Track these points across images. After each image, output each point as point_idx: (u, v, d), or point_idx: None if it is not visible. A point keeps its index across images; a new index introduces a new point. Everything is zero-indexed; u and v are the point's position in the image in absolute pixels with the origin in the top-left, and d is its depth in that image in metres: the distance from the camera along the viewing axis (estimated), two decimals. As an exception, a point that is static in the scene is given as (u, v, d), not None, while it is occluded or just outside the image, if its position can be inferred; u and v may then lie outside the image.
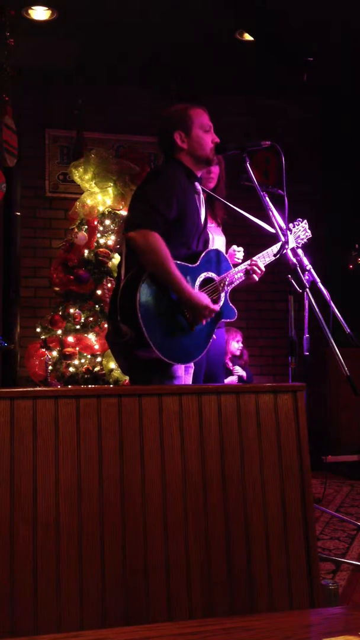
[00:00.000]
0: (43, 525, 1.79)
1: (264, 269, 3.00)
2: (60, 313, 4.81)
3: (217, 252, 2.88)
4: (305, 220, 3.27)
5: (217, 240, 3.33)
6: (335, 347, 2.98)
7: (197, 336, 2.69)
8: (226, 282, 2.81)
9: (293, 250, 3.06)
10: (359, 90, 5.48)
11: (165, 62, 5.22)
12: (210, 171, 3.30)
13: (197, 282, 2.74)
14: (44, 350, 4.77)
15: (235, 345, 5.16)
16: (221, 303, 2.81)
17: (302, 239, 3.26)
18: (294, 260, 2.93)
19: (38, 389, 1.98)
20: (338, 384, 5.23)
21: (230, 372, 4.98)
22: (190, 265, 2.70)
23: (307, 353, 3.18)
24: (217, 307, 2.70)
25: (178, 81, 5.50)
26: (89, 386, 4.51)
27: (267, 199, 3.04)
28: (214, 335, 3.17)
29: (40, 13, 4.58)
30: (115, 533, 1.83)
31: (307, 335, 3.19)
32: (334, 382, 5.43)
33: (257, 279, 2.98)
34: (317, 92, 5.78)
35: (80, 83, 5.40)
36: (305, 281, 2.96)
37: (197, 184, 2.83)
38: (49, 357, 4.72)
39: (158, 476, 1.90)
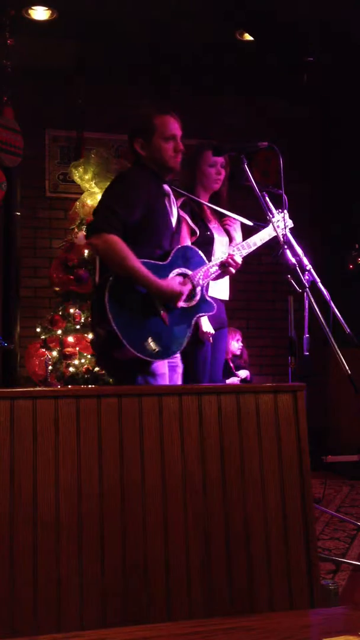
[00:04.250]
0: (43, 525, 1.79)
1: (240, 262, 2.98)
2: (60, 313, 4.81)
3: (189, 248, 2.90)
4: (285, 211, 3.26)
5: (219, 241, 3.33)
6: (336, 346, 2.98)
7: (173, 331, 2.70)
8: (200, 276, 2.81)
9: (293, 249, 3.05)
10: (358, 90, 5.48)
11: (165, 62, 5.22)
12: (219, 172, 3.31)
13: (170, 278, 2.76)
14: (44, 350, 4.77)
15: (236, 345, 5.16)
16: (198, 298, 2.81)
17: (284, 229, 3.24)
18: (294, 260, 2.93)
19: (38, 389, 1.98)
20: (338, 384, 5.23)
21: (231, 372, 4.98)
22: (161, 262, 2.73)
23: (307, 353, 3.18)
24: (188, 288, 2.72)
25: (178, 81, 5.51)
26: (89, 386, 4.51)
27: (267, 198, 3.05)
28: (210, 336, 3.17)
29: (40, 13, 4.58)
30: (115, 533, 1.83)
31: (307, 335, 3.19)
32: (334, 382, 5.43)
33: (233, 271, 2.98)
34: (317, 92, 5.78)
35: (80, 83, 5.40)
36: (305, 281, 2.95)
37: (165, 186, 2.84)
38: (49, 357, 4.72)
39: (158, 476, 1.90)
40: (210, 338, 3.21)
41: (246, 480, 1.97)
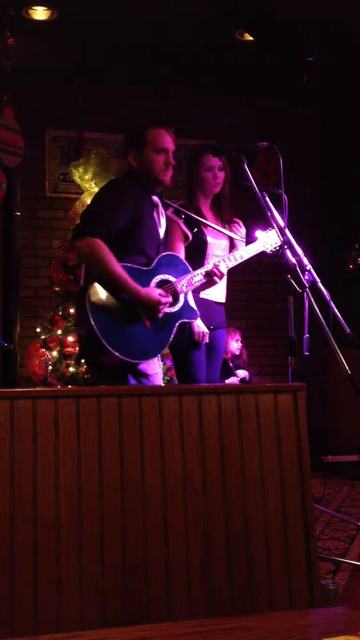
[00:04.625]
0: (43, 525, 1.79)
1: (225, 273, 3.01)
2: (60, 313, 4.81)
3: (174, 256, 2.93)
4: (273, 229, 3.28)
5: (214, 244, 3.32)
6: (336, 346, 2.98)
7: (154, 334, 2.73)
8: (184, 284, 2.83)
9: (293, 249, 3.05)
10: (358, 90, 5.48)
11: (165, 62, 5.22)
12: (217, 176, 3.32)
13: (152, 284, 2.78)
14: (44, 350, 4.77)
15: (235, 345, 5.16)
16: (180, 304, 2.82)
17: (272, 245, 3.26)
18: (294, 260, 2.93)
19: (38, 389, 1.98)
20: (338, 383, 5.23)
21: (231, 372, 4.98)
22: (144, 268, 2.77)
23: (307, 353, 3.18)
24: (168, 298, 2.73)
25: (178, 81, 5.51)
26: (89, 386, 4.51)
27: (267, 198, 3.05)
28: (204, 336, 3.18)
29: (40, 13, 4.58)
30: (115, 533, 1.83)
31: (307, 335, 3.19)
32: (334, 382, 5.43)
33: (218, 281, 3.03)
34: (317, 92, 5.78)
35: (80, 83, 5.40)
36: (305, 281, 2.95)
37: (154, 197, 2.88)
38: (49, 357, 4.72)
39: (158, 476, 1.90)
40: (206, 337, 3.22)
41: (246, 480, 1.97)
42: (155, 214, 2.88)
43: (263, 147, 2.96)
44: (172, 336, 2.80)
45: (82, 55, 5.09)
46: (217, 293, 3.36)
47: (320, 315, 2.95)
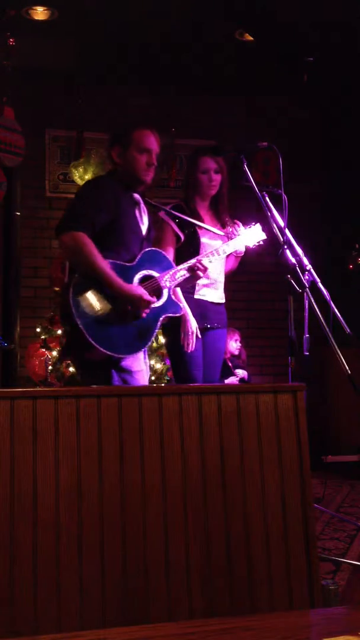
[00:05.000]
0: (43, 525, 1.79)
1: (208, 267, 3.01)
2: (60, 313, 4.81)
3: (157, 252, 2.94)
4: (258, 224, 3.28)
5: (208, 245, 3.32)
6: (336, 346, 2.98)
7: (138, 329, 2.74)
8: (167, 279, 2.84)
9: (293, 249, 3.05)
10: (359, 90, 5.48)
11: (165, 62, 5.22)
12: (212, 179, 3.33)
13: (136, 280, 2.79)
14: (44, 350, 4.77)
15: (234, 345, 5.16)
16: (164, 299, 2.84)
17: (256, 241, 3.27)
18: (294, 260, 2.93)
19: (38, 389, 1.98)
20: (338, 383, 5.22)
21: (230, 372, 4.98)
22: (127, 264, 2.78)
23: (307, 353, 3.18)
24: (152, 298, 2.75)
25: (178, 81, 5.51)
26: (89, 386, 4.50)
27: (267, 199, 3.05)
28: (199, 335, 3.19)
29: (40, 13, 4.57)
30: (115, 533, 1.83)
31: (307, 335, 3.19)
32: (334, 382, 5.43)
33: (202, 275, 3.02)
34: (317, 92, 5.78)
35: (80, 83, 5.40)
36: (305, 281, 2.95)
37: (135, 195, 2.91)
38: (49, 357, 4.72)
39: (158, 476, 1.90)
40: (198, 333, 3.23)
41: (246, 480, 1.97)
42: (137, 212, 2.91)
43: (263, 147, 2.96)
44: (156, 330, 2.82)
45: (82, 55, 5.09)
46: (213, 293, 3.36)
47: (320, 315, 2.95)
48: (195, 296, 3.30)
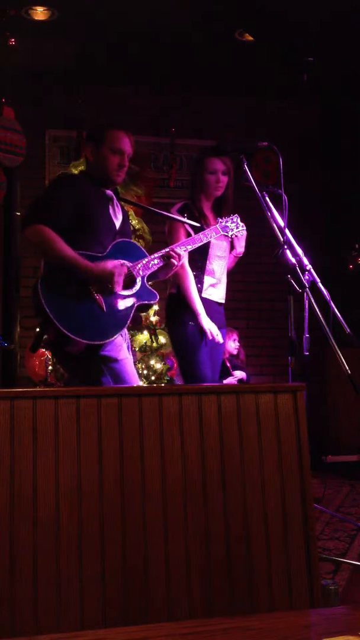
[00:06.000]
0: (43, 525, 1.79)
1: (182, 254, 2.96)
2: (60, 313, 4.81)
3: (128, 242, 2.94)
4: (237, 216, 3.27)
5: (216, 245, 3.32)
6: (336, 346, 2.98)
7: (111, 315, 2.72)
8: (140, 267, 2.83)
9: (293, 249, 3.05)
10: (359, 90, 5.48)
11: (165, 62, 5.22)
12: (219, 180, 3.32)
13: None
14: (44, 350, 4.77)
15: (232, 345, 5.16)
16: (137, 286, 2.83)
17: (234, 231, 3.25)
18: (294, 260, 2.93)
19: (38, 389, 1.98)
20: (338, 384, 5.23)
21: (228, 372, 4.98)
22: (99, 254, 2.77)
23: (307, 353, 3.18)
24: (122, 270, 2.74)
25: (178, 81, 5.51)
26: (89, 386, 4.50)
27: (267, 198, 3.05)
28: (219, 338, 3.19)
29: (40, 13, 4.58)
30: (115, 533, 1.83)
31: (307, 335, 3.19)
32: (334, 382, 5.43)
33: (176, 263, 2.95)
34: (317, 92, 5.78)
35: (80, 83, 5.40)
36: (305, 281, 2.95)
37: (108, 191, 2.92)
38: (49, 357, 4.72)
39: (158, 476, 1.90)
40: (219, 337, 3.25)
41: (246, 480, 1.97)
42: (110, 207, 2.92)
43: (263, 147, 2.96)
44: (130, 318, 2.80)
45: (82, 55, 5.09)
46: (217, 293, 3.37)
47: (320, 315, 2.95)
48: (203, 295, 3.30)
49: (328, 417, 5.60)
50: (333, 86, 5.63)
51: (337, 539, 3.32)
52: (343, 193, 5.76)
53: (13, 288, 5.27)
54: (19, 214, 5.31)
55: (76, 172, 3.07)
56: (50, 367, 4.72)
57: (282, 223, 3.01)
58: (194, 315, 3.28)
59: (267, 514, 1.96)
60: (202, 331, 3.27)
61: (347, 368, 2.98)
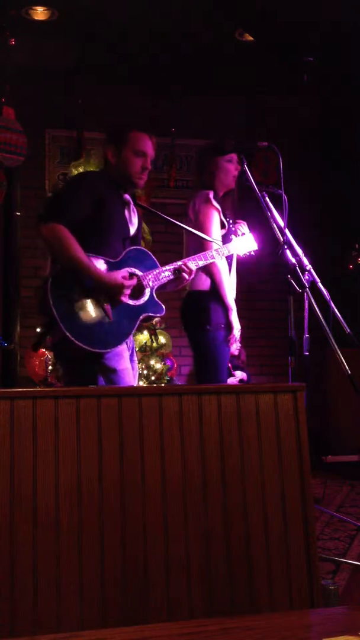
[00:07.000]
0: (43, 525, 1.78)
1: (193, 270, 2.94)
2: (60, 313, 4.80)
3: (142, 250, 2.91)
4: (251, 234, 3.27)
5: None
6: (336, 346, 2.98)
7: (117, 324, 2.71)
8: (150, 278, 2.82)
9: (293, 249, 3.05)
10: (359, 90, 5.48)
11: (165, 62, 5.22)
12: (237, 168, 3.28)
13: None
14: (44, 350, 4.77)
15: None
16: (145, 298, 2.81)
17: (246, 250, 3.25)
18: (294, 260, 2.93)
19: (38, 389, 1.98)
20: (338, 384, 5.22)
21: (229, 373, 4.97)
22: (111, 260, 2.75)
23: (307, 353, 3.18)
24: (132, 283, 2.73)
25: (178, 81, 5.51)
26: (89, 386, 4.50)
27: (267, 198, 3.05)
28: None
29: (40, 13, 4.58)
30: (115, 533, 1.83)
31: (307, 335, 3.19)
32: (334, 382, 5.43)
33: (187, 278, 2.93)
34: (318, 92, 5.78)
35: (80, 83, 5.40)
36: (304, 281, 2.96)
37: (126, 195, 2.88)
38: (49, 357, 4.72)
39: (158, 476, 1.90)
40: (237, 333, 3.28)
41: (246, 480, 1.97)
42: (126, 212, 2.88)
43: (263, 147, 2.97)
44: (135, 328, 2.79)
45: (82, 55, 5.09)
46: (234, 294, 3.37)
47: (320, 315, 2.96)
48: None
49: (328, 417, 5.60)
50: (333, 86, 5.63)
51: (337, 539, 3.32)
52: (343, 193, 5.76)
53: (13, 288, 5.28)
54: (19, 214, 5.31)
55: (94, 170, 3.02)
56: (50, 367, 4.72)
57: (282, 223, 3.02)
58: (225, 313, 3.27)
59: (267, 514, 1.96)
60: (229, 330, 3.27)
61: (347, 368, 2.99)
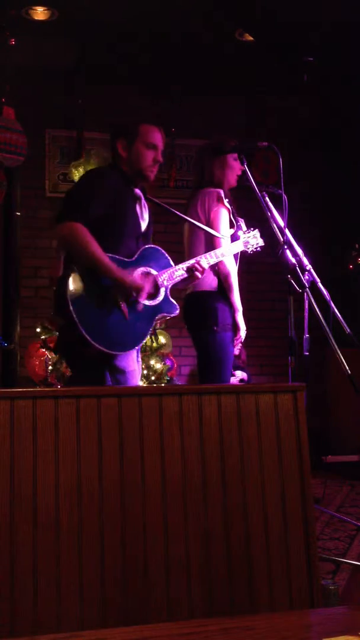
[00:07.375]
0: (43, 525, 1.78)
1: (205, 268, 2.98)
2: (60, 313, 4.81)
3: (156, 249, 2.89)
4: (257, 230, 3.27)
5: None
6: (336, 346, 2.98)
7: (133, 326, 2.70)
8: (165, 277, 2.81)
9: (293, 249, 3.05)
10: (359, 90, 5.48)
11: (165, 62, 5.22)
12: (241, 167, 3.29)
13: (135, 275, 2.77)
14: (44, 350, 4.77)
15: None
16: (160, 297, 2.81)
17: (253, 246, 3.26)
18: (294, 260, 2.93)
19: (38, 389, 1.98)
20: (338, 383, 5.23)
21: (229, 372, 4.97)
22: (127, 259, 2.73)
23: (307, 353, 3.18)
24: (150, 284, 2.72)
25: (178, 81, 5.51)
26: (89, 386, 4.50)
27: (267, 198, 3.05)
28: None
29: (40, 13, 4.58)
30: (115, 533, 1.83)
31: (307, 335, 3.19)
32: (334, 382, 5.43)
33: (199, 276, 2.97)
34: (318, 92, 5.78)
35: (80, 83, 5.40)
36: (304, 281, 2.96)
37: (137, 190, 2.86)
38: (49, 357, 4.72)
39: (158, 476, 1.90)
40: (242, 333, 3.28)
41: (246, 480, 1.97)
42: (137, 207, 2.86)
43: (263, 147, 2.97)
44: (150, 329, 2.78)
45: (82, 55, 5.09)
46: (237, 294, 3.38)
47: (320, 315, 2.96)
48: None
49: (328, 417, 5.60)
50: (334, 86, 5.63)
51: (337, 539, 3.32)
52: (343, 193, 5.76)
53: (13, 288, 5.28)
54: (19, 214, 5.32)
55: (104, 166, 2.99)
56: (50, 367, 4.72)
57: (282, 223, 3.02)
58: (232, 314, 3.27)
59: (267, 514, 1.96)
60: (235, 331, 3.28)
61: (347, 368, 2.99)
